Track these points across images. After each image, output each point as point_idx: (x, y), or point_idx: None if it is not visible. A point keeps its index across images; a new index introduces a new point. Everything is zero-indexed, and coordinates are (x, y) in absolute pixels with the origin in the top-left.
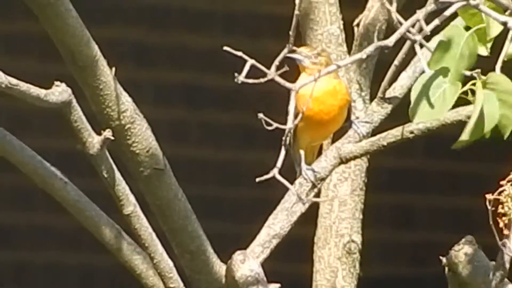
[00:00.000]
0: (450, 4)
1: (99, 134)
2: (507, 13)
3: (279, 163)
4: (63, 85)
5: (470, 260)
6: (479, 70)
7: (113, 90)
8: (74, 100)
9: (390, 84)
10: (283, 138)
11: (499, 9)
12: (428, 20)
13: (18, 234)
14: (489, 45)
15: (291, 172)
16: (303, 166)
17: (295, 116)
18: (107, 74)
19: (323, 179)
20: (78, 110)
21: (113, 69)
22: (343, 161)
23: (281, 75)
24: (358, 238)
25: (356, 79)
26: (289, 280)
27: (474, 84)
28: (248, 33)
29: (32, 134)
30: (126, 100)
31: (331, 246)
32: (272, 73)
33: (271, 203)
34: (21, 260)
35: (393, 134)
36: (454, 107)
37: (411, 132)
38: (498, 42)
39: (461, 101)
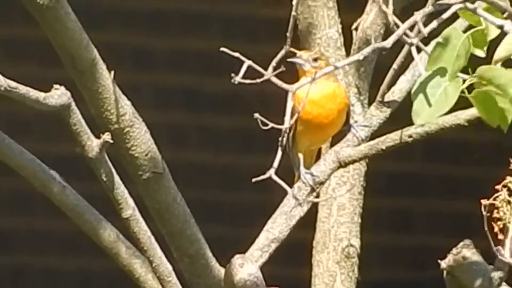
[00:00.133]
0: (449, 6)
1: (98, 137)
2: (505, 15)
3: (275, 163)
4: (62, 88)
5: (469, 264)
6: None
7: (112, 94)
8: (73, 104)
9: (389, 87)
10: (280, 138)
11: (493, 9)
12: (426, 23)
13: (17, 238)
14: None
15: (290, 175)
16: (302, 170)
17: (292, 117)
18: (106, 77)
19: (322, 183)
20: (77, 114)
21: (112, 72)
22: (342, 165)
23: (279, 78)
24: (356, 242)
25: (355, 83)
26: (288, 284)
27: (471, 83)
28: (247, 36)
29: (31, 138)
30: (125, 104)
31: (329, 250)
32: (269, 73)
33: (270, 207)
34: (20, 264)
35: (392, 138)
36: (453, 110)
37: (410, 136)
38: (496, 44)
39: (459, 103)
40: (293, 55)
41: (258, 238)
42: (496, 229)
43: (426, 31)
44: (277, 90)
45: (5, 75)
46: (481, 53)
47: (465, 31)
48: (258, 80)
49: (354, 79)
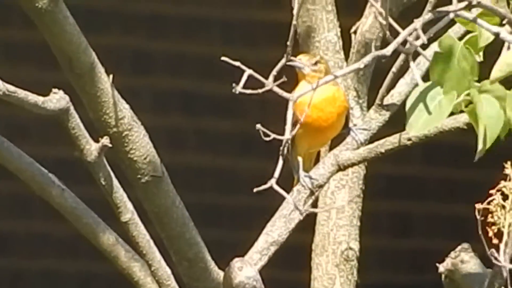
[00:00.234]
0: (447, 13)
1: (97, 141)
2: (504, 21)
3: (276, 174)
4: (61, 92)
5: (467, 268)
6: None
7: (111, 97)
8: (71, 107)
9: (388, 91)
10: (281, 148)
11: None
12: (425, 28)
13: (16, 241)
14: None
15: (289, 179)
16: (301, 173)
17: (294, 125)
18: (104, 81)
19: (321, 186)
20: (76, 118)
21: (111, 76)
22: (341, 168)
23: (280, 84)
24: (355, 245)
25: (354, 86)
26: (287, 287)
27: (468, 94)
28: (246, 40)
29: (30, 141)
30: (124, 107)
31: (329, 253)
32: (270, 83)
33: (269, 210)
34: (19, 267)
35: (391, 141)
36: (451, 114)
37: (409, 139)
38: (493, 46)
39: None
40: (291, 60)
41: (257, 241)
42: (490, 234)
43: (425, 38)
44: (277, 95)
45: (3, 78)
46: (477, 57)
47: (464, 35)
48: (260, 90)
49: (353, 83)
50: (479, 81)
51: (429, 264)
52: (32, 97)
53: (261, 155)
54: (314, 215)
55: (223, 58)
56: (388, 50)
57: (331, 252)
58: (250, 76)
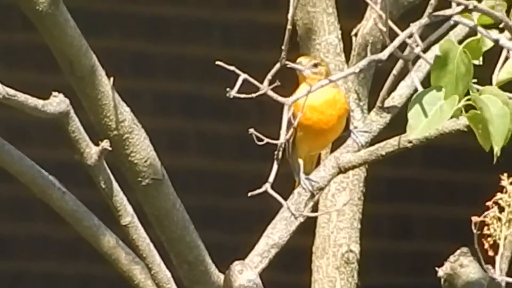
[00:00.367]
0: (444, 16)
1: (97, 144)
2: (501, 25)
3: (271, 178)
4: (61, 95)
5: (465, 272)
6: (474, 80)
7: (111, 100)
8: (72, 111)
9: (388, 93)
10: (275, 152)
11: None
12: (428, 30)
13: (17, 244)
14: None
15: (289, 182)
16: (302, 175)
17: (294, 128)
18: (105, 83)
19: (321, 189)
20: (76, 121)
21: (111, 79)
22: (342, 170)
23: (279, 86)
24: (356, 247)
25: (354, 88)
26: None
27: (469, 100)
28: (247, 43)
29: (30, 145)
30: (124, 110)
31: (329, 256)
32: (265, 87)
33: (269, 213)
34: (19, 270)
35: (392, 144)
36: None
37: (409, 142)
38: (492, 50)
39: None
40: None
41: (257, 244)
42: (486, 246)
43: (421, 44)
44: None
45: (3, 81)
46: (476, 62)
47: (465, 38)
48: (254, 95)
49: (353, 85)
50: (478, 84)
51: (429, 266)
52: (32, 101)
53: (261, 158)
54: (315, 218)
55: (217, 62)
56: (384, 55)
57: (332, 254)
58: (248, 79)
